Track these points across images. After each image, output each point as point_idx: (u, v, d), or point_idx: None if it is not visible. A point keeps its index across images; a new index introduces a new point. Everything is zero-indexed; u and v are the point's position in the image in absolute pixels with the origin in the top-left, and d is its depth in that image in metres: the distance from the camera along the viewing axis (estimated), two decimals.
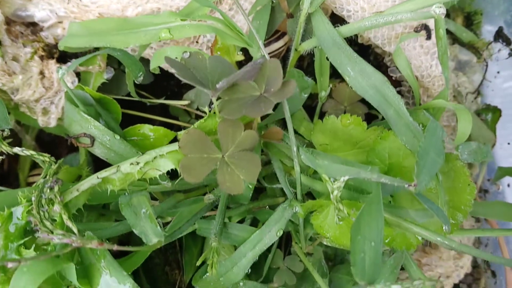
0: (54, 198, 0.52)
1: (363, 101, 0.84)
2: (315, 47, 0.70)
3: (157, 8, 0.69)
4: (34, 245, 0.52)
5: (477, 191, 0.97)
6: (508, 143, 0.93)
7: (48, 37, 0.75)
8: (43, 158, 0.60)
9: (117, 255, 0.59)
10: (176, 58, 0.56)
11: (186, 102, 0.84)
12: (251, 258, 0.65)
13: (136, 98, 0.80)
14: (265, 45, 0.79)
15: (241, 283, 0.68)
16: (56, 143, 0.89)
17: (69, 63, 0.74)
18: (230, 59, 0.72)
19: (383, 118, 0.64)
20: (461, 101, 0.90)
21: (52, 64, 0.75)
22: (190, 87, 0.86)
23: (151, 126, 0.70)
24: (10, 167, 0.91)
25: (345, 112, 0.79)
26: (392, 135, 0.63)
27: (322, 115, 0.72)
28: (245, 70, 0.51)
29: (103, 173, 0.57)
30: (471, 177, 0.65)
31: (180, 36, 0.60)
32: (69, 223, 0.50)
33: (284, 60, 0.77)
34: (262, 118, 0.74)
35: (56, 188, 0.53)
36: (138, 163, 0.57)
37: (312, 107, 0.88)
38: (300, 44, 0.71)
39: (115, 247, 0.47)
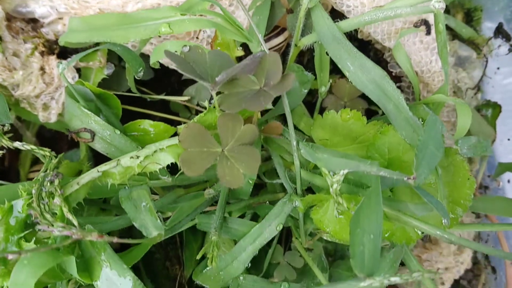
0: (55, 191, 0.52)
1: (363, 96, 0.84)
2: (315, 42, 0.70)
3: (157, 4, 0.69)
4: (34, 238, 0.52)
5: (477, 187, 0.97)
6: (508, 139, 0.93)
7: (49, 33, 0.75)
8: (43, 152, 0.61)
9: (118, 251, 0.59)
10: (176, 52, 0.56)
11: (186, 98, 0.84)
12: (251, 252, 0.65)
13: (137, 94, 0.81)
14: (265, 41, 0.79)
15: (241, 277, 0.68)
16: (56, 139, 0.90)
17: (69, 59, 0.74)
18: (230, 54, 0.72)
19: (383, 114, 0.64)
20: (461, 96, 0.90)
21: (53, 60, 0.75)
22: (191, 84, 0.86)
23: (151, 122, 0.70)
24: (11, 163, 0.91)
25: (345, 108, 0.79)
26: (392, 130, 0.63)
27: (322, 111, 0.72)
28: (245, 64, 0.51)
29: (103, 167, 0.57)
30: (471, 173, 0.65)
31: (180, 30, 0.60)
32: (70, 216, 0.50)
33: (284, 55, 0.77)
34: (262, 113, 0.74)
35: (56, 182, 0.54)
36: (138, 157, 0.58)
37: (312, 103, 0.89)
38: (300, 39, 0.71)
39: (115, 240, 0.47)
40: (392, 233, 0.63)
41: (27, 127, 0.87)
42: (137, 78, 0.70)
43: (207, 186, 0.76)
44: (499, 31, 0.91)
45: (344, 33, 0.65)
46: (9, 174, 0.90)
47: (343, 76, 0.84)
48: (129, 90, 0.81)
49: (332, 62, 0.67)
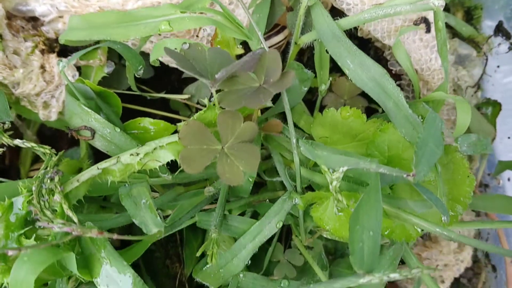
0: (55, 188, 0.52)
1: (363, 94, 0.85)
2: (315, 40, 0.70)
3: (157, 1, 0.69)
4: (34, 235, 0.52)
5: (477, 185, 0.97)
6: (509, 137, 0.93)
7: (49, 32, 0.75)
8: (43, 150, 0.61)
9: (118, 249, 0.59)
10: (176, 49, 0.57)
11: (186, 96, 0.84)
12: (251, 250, 0.66)
13: (137, 92, 0.81)
14: (265, 39, 0.79)
15: (241, 275, 0.68)
16: (57, 138, 0.90)
17: (70, 57, 0.74)
18: (230, 52, 0.72)
19: (383, 112, 0.64)
20: (461, 95, 0.90)
21: (53, 58, 0.75)
22: (191, 82, 0.87)
23: (151, 120, 0.70)
24: (11, 161, 0.91)
25: (345, 106, 0.79)
26: (392, 128, 0.64)
27: (322, 109, 0.72)
28: (244, 61, 0.51)
29: (103, 164, 0.57)
30: (471, 171, 0.65)
31: (179, 28, 0.61)
32: (70, 213, 0.51)
33: (284, 54, 0.77)
34: (262, 111, 0.74)
35: (56, 179, 0.54)
36: (138, 154, 0.58)
37: (312, 102, 0.89)
38: (299, 37, 0.71)
39: (115, 236, 0.47)
40: (391, 230, 0.63)
41: (27, 125, 0.87)
42: (137, 76, 0.71)
43: (207, 184, 0.76)
44: (499, 29, 0.91)
45: (344, 31, 0.66)
46: (10, 172, 0.91)
47: (343, 74, 0.84)
48: (129, 89, 0.81)
49: (332, 60, 0.67)
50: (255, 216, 0.79)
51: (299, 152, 0.62)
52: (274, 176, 0.77)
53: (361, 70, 0.63)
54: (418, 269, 0.46)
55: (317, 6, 0.66)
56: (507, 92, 0.94)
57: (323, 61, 0.72)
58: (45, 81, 0.74)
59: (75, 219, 0.51)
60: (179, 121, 0.88)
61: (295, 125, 0.69)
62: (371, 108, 0.87)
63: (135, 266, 0.57)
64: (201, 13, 0.63)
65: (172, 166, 0.64)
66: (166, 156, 0.59)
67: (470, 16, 0.96)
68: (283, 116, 0.66)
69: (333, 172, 0.56)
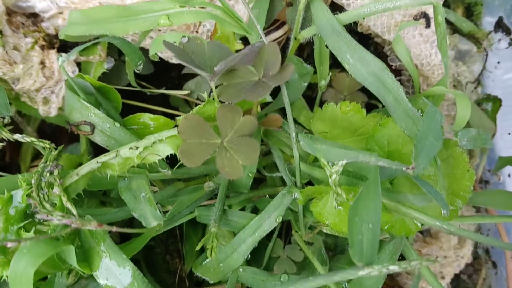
0: (54, 182, 0.52)
1: (363, 90, 0.85)
2: (315, 35, 0.70)
3: None
4: (34, 228, 0.52)
5: (477, 181, 0.97)
6: (509, 133, 0.93)
7: (49, 28, 0.75)
8: (43, 144, 0.61)
9: (118, 244, 0.59)
10: (175, 43, 0.57)
11: (186, 92, 0.84)
12: (251, 244, 0.66)
13: (137, 88, 0.81)
14: (265, 34, 0.79)
15: (240, 269, 0.68)
16: (57, 134, 0.90)
17: (69, 52, 0.75)
18: (229, 48, 0.72)
19: (383, 107, 0.64)
20: (461, 90, 0.90)
21: (53, 54, 0.75)
22: (190, 78, 0.87)
23: (151, 115, 0.70)
24: (12, 158, 0.91)
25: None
26: (391, 122, 0.63)
27: (322, 105, 0.72)
28: (243, 53, 0.51)
29: (103, 158, 0.57)
30: (471, 167, 0.64)
31: (179, 22, 0.61)
32: (69, 205, 0.51)
33: (284, 50, 0.77)
34: (262, 107, 0.74)
35: (56, 172, 0.54)
36: (137, 148, 0.58)
37: (312, 98, 0.89)
38: (299, 32, 0.71)
39: (114, 229, 0.47)
40: (391, 225, 0.63)
41: (27, 122, 0.87)
42: (136, 71, 0.71)
43: (207, 180, 0.76)
44: (499, 25, 0.91)
45: (344, 27, 0.65)
46: (10, 169, 0.91)
47: (343, 70, 0.84)
48: (129, 85, 0.81)
49: (332, 57, 0.67)
50: (255, 211, 0.78)
51: (298, 147, 0.62)
52: (274, 171, 0.77)
53: (361, 65, 0.63)
54: (417, 261, 0.46)
55: (316, 1, 0.66)
56: (507, 89, 0.94)
57: (323, 56, 0.72)
58: (45, 77, 0.74)
59: (74, 212, 0.51)
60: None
61: (295, 121, 0.69)
62: (371, 104, 0.87)
63: (135, 262, 0.56)
64: (201, 7, 0.63)
65: (172, 162, 0.64)
66: (166, 150, 0.59)
67: (470, 12, 0.96)
68: (283, 112, 0.66)
69: (332, 166, 0.56)
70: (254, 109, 0.66)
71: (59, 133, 0.90)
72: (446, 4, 0.94)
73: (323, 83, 0.75)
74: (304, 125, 0.75)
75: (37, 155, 0.90)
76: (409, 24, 0.73)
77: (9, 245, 0.42)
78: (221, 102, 0.59)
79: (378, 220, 0.49)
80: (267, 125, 0.68)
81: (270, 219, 0.66)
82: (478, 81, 0.92)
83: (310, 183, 0.72)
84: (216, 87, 0.58)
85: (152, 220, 0.55)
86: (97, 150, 0.74)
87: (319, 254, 0.76)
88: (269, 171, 0.78)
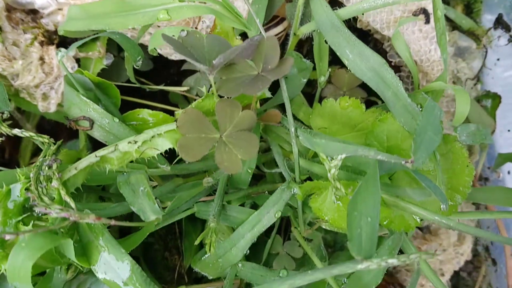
0: (53, 175, 0.52)
1: (362, 86, 0.85)
2: (314, 31, 0.70)
3: None
4: (32, 222, 0.52)
5: (477, 178, 0.97)
6: (509, 130, 0.92)
7: (48, 24, 0.75)
8: (42, 139, 0.61)
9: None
10: (174, 36, 0.56)
11: (185, 89, 0.84)
12: (250, 239, 0.65)
13: (136, 85, 0.81)
14: (264, 31, 0.79)
15: (239, 265, 0.68)
16: (56, 131, 0.90)
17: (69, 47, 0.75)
18: None
19: (382, 103, 0.64)
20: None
21: (52, 50, 0.75)
22: (190, 75, 0.86)
23: (150, 111, 0.70)
24: (11, 155, 0.91)
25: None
26: (391, 117, 0.63)
27: (321, 102, 0.72)
28: (242, 47, 0.51)
29: (102, 152, 0.57)
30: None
31: (178, 17, 0.60)
32: (67, 199, 0.50)
33: (283, 46, 0.77)
34: (261, 103, 0.74)
35: (54, 166, 0.54)
36: (136, 142, 0.58)
37: (311, 95, 0.89)
38: (298, 28, 0.71)
39: (113, 222, 0.47)
40: (390, 220, 0.63)
41: (27, 119, 0.87)
42: (136, 67, 0.70)
43: (206, 176, 0.76)
44: (499, 22, 0.91)
45: (343, 23, 0.65)
46: (10, 166, 0.90)
47: (342, 66, 0.84)
48: (129, 81, 0.81)
49: (332, 53, 0.67)
50: (254, 208, 0.78)
51: (298, 142, 0.62)
52: (273, 168, 0.77)
53: (360, 60, 0.63)
54: (416, 254, 0.46)
55: None
56: (507, 86, 0.93)
57: (322, 51, 0.72)
58: (44, 73, 0.74)
59: (73, 205, 0.51)
60: None
61: (294, 117, 0.69)
62: (371, 101, 0.87)
63: (134, 259, 0.56)
64: (200, 2, 0.63)
65: (171, 157, 0.64)
66: (164, 144, 0.59)
67: (470, 10, 0.96)
68: (282, 109, 0.66)
69: (331, 160, 0.56)
70: (253, 104, 0.66)
71: (58, 129, 0.90)
72: (445, 1, 0.94)
73: (322, 79, 0.75)
74: (303, 121, 0.75)
75: (36, 152, 0.90)
76: (409, 20, 0.73)
77: (7, 237, 0.42)
78: (220, 96, 0.59)
79: (377, 214, 0.49)
80: (266, 121, 0.68)
81: (269, 214, 0.65)
82: (477, 78, 0.92)
83: (309, 179, 0.72)
84: (215, 82, 0.57)
85: (151, 214, 0.55)
86: (96, 145, 0.74)
87: (318, 251, 0.75)
88: (268, 168, 0.78)
